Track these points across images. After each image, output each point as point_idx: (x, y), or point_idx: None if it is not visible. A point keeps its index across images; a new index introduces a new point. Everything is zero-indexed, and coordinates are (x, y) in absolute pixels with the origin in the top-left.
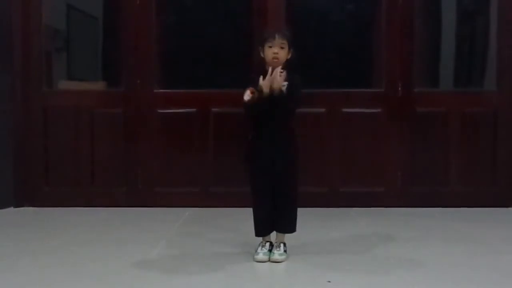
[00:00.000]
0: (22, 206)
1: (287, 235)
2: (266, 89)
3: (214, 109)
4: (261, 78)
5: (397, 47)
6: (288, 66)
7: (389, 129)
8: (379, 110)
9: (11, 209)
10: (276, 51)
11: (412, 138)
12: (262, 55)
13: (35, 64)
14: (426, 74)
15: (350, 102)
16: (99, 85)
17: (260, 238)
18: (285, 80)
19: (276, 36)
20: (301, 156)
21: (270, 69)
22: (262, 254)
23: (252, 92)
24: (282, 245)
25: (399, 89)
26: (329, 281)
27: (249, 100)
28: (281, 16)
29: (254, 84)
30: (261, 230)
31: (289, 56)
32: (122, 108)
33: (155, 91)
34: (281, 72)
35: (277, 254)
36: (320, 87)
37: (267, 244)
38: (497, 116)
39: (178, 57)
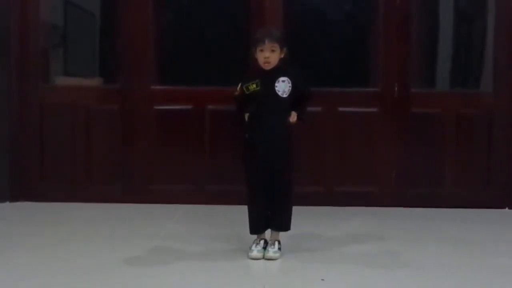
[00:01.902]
0: (18, 200)
1: (282, 233)
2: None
3: (210, 106)
4: None
5: (394, 47)
6: (284, 63)
7: (385, 129)
8: (375, 109)
9: (7, 203)
10: (267, 55)
11: (408, 138)
12: (255, 56)
13: (32, 59)
14: (423, 75)
15: (346, 101)
16: (95, 81)
17: (255, 236)
18: (287, 76)
19: (266, 40)
20: (295, 154)
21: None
22: (256, 251)
23: (240, 89)
24: (276, 243)
25: (396, 89)
26: (322, 279)
27: (236, 95)
28: (278, 15)
29: (247, 81)
30: (256, 228)
31: (282, 56)
32: (119, 104)
33: (151, 87)
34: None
35: (271, 251)
36: (316, 86)
37: (262, 241)
38: (492, 117)
39: (175, 54)
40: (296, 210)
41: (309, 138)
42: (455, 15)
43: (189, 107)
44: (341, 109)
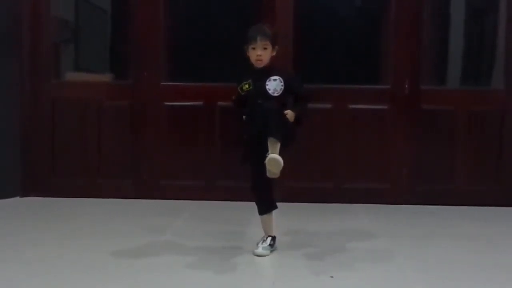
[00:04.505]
0: (29, 196)
1: (289, 229)
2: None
3: (221, 103)
4: None
5: (405, 44)
6: (275, 62)
7: (395, 126)
8: (385, 106)
9: (18, 198)
10: (260, 53)
11: (418, 136)
12: (247, 54)
13: (44, 55)
14: (434, 72)
15: (357, 98)
16: (106, 77)
17: (262, 233)
18: (279, 76)
19: (258, 38)
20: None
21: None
22: (261, 248)
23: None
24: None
25: (406, 86)
26: (331, 276)
27: (234, 99)
28: (289, 12)
29: (241, 81)
30: (264, 209)
31: (274, 54)
32: (129, 100)
33: (162, 83)
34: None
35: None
36: (327, 83)
37: (268, 239)
38: (504, 115)
39: (186, 50)
40: (307, 207)
41: (319, 134)
42: (466, 11)
43: (199, 103)
44: (351, 106)
